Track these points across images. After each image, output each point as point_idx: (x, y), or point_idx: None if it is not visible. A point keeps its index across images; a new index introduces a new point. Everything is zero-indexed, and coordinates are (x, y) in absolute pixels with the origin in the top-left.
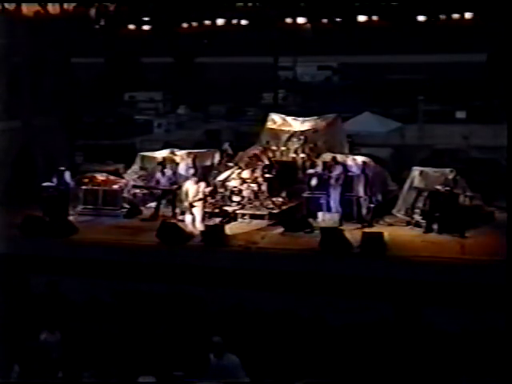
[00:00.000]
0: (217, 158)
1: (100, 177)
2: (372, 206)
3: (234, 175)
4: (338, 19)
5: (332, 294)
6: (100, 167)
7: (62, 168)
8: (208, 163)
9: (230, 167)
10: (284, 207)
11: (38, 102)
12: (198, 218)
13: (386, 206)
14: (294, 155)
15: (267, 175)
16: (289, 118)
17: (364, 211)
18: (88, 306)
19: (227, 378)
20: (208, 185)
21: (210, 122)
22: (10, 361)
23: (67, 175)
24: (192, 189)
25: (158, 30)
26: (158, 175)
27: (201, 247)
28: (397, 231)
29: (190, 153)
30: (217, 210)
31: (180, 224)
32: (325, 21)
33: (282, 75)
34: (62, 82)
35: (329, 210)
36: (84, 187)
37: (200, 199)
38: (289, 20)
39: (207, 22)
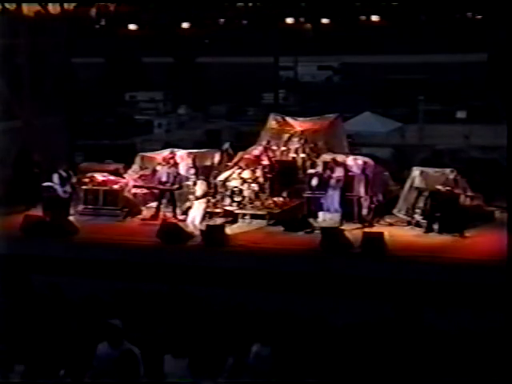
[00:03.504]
0: (217, 158)
1: (100, 177)
2: (372, 205)
3: (234, 175)
4: (339, 19)
5: (332, 294)
6: (100, 167)
7: (63, 170)
8: (208, 163)
9: (231, 167)
10: (285, 207)
11: (39, 101)
12: (199, 217)
13: (386, 205)
14: (294, 155)
15: (268, 175)
16: (289, 118)
17: (364, 211)
18: (88, 306)
19: (119, 374)
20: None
21: (210, 122)
22: (11, 361)
23: (55, 178)
24: (203, 185)
25: (159, 29)
26: (159, 175)
27: (201, 247)
28: (397, 231)
29: (190, 153)
30: (217, 210)
31: (180, 224)
32: (325, 21)
33: (282, 75)
34: (62, 82)
35: (329, 209)
36: (84, 187)
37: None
38: (289, 20)
39: (208, 22)
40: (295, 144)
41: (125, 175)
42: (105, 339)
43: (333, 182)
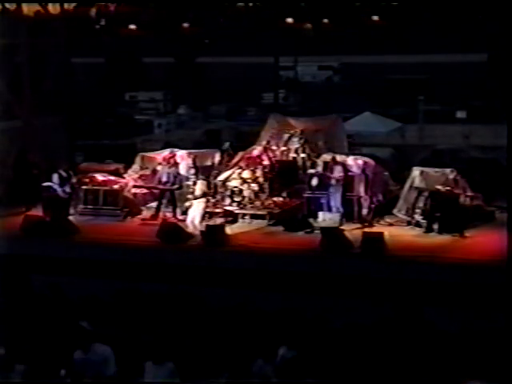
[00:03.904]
0: (217, 158)
1: (100, 177)
2: (372, 205)
3: (234, 175)
4: (339, 19)
5: (332, 294)
6: (100, 167)
7: (63, 170)
8: (208, 163)
9: (231, 167)
10: (285, 207)
11: (39, 101)
12: (198, 217)
13: (386, 205)
14: (294, 155)
15: (268, 175)
16: (289, 118)
17: (364, 211)
18: (88, 306)
19: (94, 374)
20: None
21: (210, 122)
22: (11, 361)
23: (55, 178)
24: (202, 185)
25: (159, 29)
26: (159, 175)
27: (201, 247)
28: (397, 231)
29: (190, 153)
30: (217, 210)
31: (180, 224)
32: (325, 21)
33: (282, 75)
34: (62, 82)
35: (329, 209)
36: (84, 187)
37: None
38: (289, 20)
39: (208, 22)
40: (295, 144)
41: (125, 175)
42: (75, 345)
43: (333, 181)
